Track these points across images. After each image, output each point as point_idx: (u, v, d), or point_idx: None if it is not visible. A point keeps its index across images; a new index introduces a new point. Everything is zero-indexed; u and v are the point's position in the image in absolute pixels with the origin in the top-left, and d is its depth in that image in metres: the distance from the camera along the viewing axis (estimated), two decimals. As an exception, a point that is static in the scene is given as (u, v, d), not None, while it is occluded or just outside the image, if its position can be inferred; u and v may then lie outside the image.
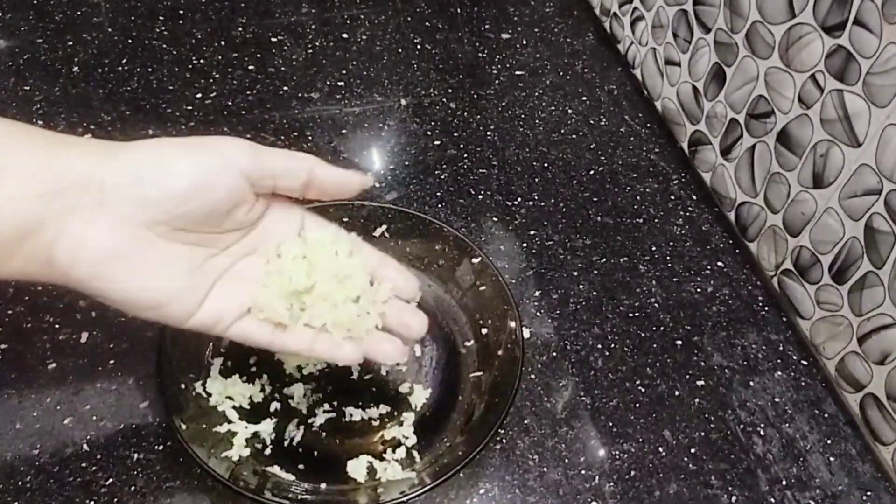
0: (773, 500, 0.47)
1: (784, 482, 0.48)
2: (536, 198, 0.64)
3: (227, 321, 0.38)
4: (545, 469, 0.47)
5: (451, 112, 0.71)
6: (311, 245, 0.40)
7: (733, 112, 0.61)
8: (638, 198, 0.65)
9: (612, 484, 0.47)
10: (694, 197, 0.66)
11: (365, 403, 0.48)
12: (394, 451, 0.46)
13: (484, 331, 0.51)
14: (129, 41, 0.75)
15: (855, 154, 0.49)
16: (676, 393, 0.52)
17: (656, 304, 0.57)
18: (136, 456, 0.46)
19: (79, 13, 0.77)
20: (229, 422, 0.45)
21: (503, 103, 0.73)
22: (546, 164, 0.67)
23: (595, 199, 0.65)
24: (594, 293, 0.58)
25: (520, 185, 0.65)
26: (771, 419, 0.51)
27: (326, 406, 0.48)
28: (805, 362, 0.55)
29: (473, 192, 0.64)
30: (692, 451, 0.49)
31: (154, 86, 0.70)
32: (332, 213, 0.51)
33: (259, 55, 0.75)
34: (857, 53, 0.47)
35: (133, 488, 0.44)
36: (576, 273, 0.59)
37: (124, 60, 0.72)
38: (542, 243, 0.61)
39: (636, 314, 0.57)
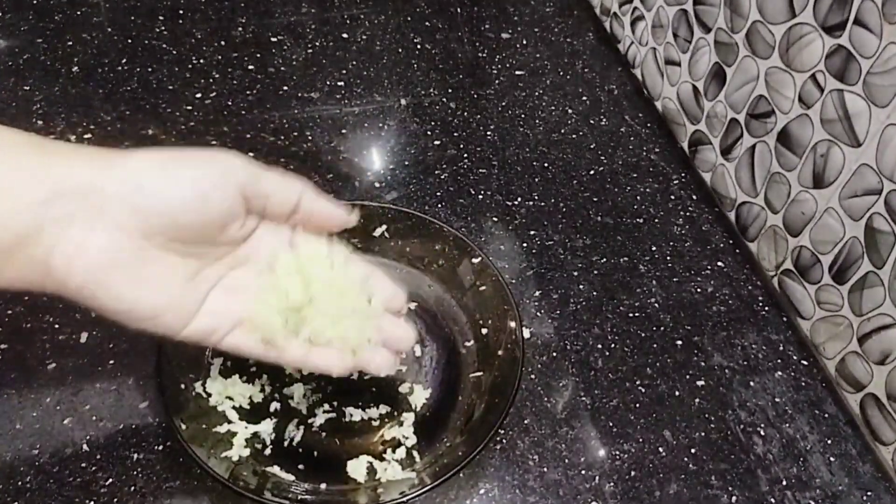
0: (773, 500, 0.47)
1: (784, 482, 0.48)
2: (536, 198, 0.64)
3: (222, 332, 0.38)
4: (545, 469, 0.47)
5: (451, 112, 0.71)
6: (304, 259, 0.40)
7: (733, 112, 0.61)
8: (638, 198, 0.65)
9: (612, 484, 0.47)
10: (694, 197, 0.66)
11: (365, 403, 0.48)
12: (394, 452, 0.46)
13: (484, 331, 0.51)
14: (129, 41, 0.75)
15: (855, 154, 0.49)
16: (676, 393, 0.52)
17: (656, 304, 0.57)
18: (135, 456, 0.45)
19: (78, 13, 0.77)
20: (229, 422, 0.45)
21: (503, 103, 0.73)
22: (546, 164, 0.67)
23: (595, 199, 0.65)
24: (594, 293, 0.57)
25: (520, 185, 0.65)
26: (771, 419, 0.51)
27: (326, 406, 0.48)
28: (805, 362, 0.55)
29: (473, 192, 0.64)
30: (692, 451, 0.49)
31: (154, 86, 0.70)
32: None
33: (259, 55, 0.75)
34: (858, 53, 0.47)
35: (133, 488, 0.44)
36: (576, 273, 0.59)
37: (124, 60, 0.72)
38: (542, 243, 0.61)
39: (636, 314, 0.56)
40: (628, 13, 0.75)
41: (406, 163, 0.66)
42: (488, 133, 0.70)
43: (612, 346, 0.54)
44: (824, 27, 0.49)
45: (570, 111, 0.73)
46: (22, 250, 0.31)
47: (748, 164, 0.60)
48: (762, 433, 0.50)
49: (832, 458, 0.50)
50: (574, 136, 0.70)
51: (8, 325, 0.51)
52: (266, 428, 0.46)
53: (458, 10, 0.84)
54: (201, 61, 0.73)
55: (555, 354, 0.53)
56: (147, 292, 0.34)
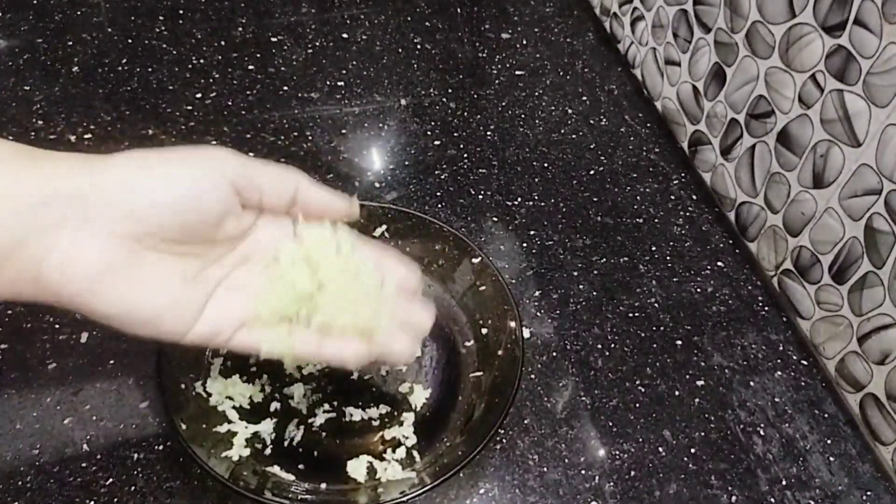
0: (772, 499, 0.47)
1: (784, 482, 0.48)
2: (536, 198, 0.64)
3: (227, 333, 0.37)
4: (545, 469, 0.47)
5: (451, 112, 0.71)
6: (309, 245, 0.39)
7: (733, 112, 0.61)
8: (638, 198, 0.65)
9: (611, 484, 0.47)
10: (694, 197, 0.66)
11: (365, 403, 0.48)
12: (394, 451, 0.46)
13: (484, 331, 0.51)
14: (129, 41, 0.75)
15: (855, 154, 0.49)
16: (676, 393, 0.52)
17: (656, 304, 0.57)
18: (136, 456, 0.46)
19: (79, 13, 0.77)
20: (229, 422, 0.45)
21: (503, 103, 0.73)
22: (546, 164, 0.67)
23: (595, 199, 0.65)
24: (594, 293, 0.58)
25: (520, 185, 0.65)
26: (771, 419, 0.51)
27: (326, 406, 0.48)
28: (805, 362, 0.55)
29: (473, 192, 0.64)
30: (692, 450, 0.49)
31: (154, 86, 0.70)
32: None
33: (259, 55, 0.75)
34: (858, 53, 0.47)
35: (133, 488, 0.44)
36: (576, 273, 0.59)
37: (124, 60, 0.72)
38: (542, 243, 0.61)
39: (636, 314, 0.57)
40: (628, 13, 0.75)
41: (406, 163, 0.66)
42: (488, 133, 0.70)
43: (612, 345, 0.54)
44: (824, 27, 0.49)
45: (570, 111, 0.73)
46: (9, 260, 0.30)
47: (748, 164, 0.60)
48: (762, 433, 0.51)
49: (832, 458, 0.50)
50: (574, 136, 0.70)
51: (8, 325, 0.51)
52: (266, 428, 0.46)
53: (458, 10, 0.84)
54: (201, 61, 0.73)
55: (555, 354, 0.53)
56: (145, 296, 0.34)
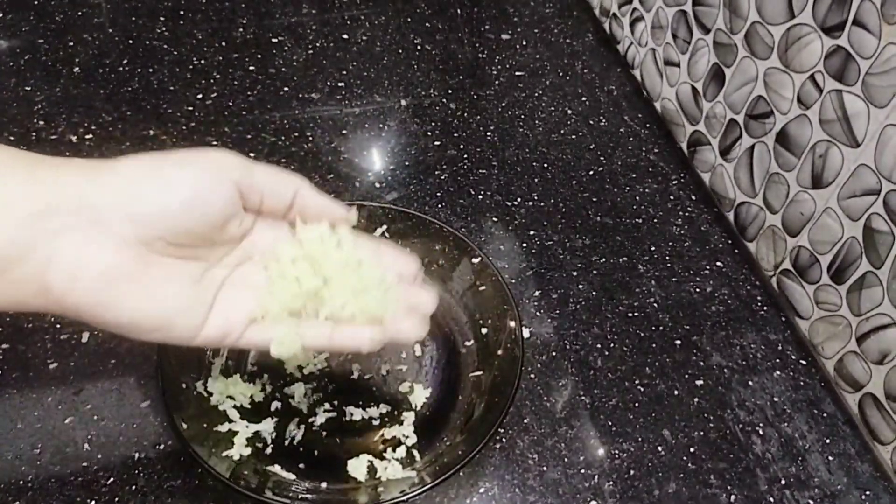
0: (772, 499, 0.47)
1: (783, 481, 0.48)
2: (536, 198, 0.64)
3: (237, 332, 0.37)
4: (545, 468, 0.48)
5: (451, 112, 0.71)
6: (308, 242, 0.39)
7: (732, 112, 0.61)
8: (637, 198, 0.65)
9: (611, 483, 0.47)
10: (693, 197, 0.66)
11: (365, 403, 0.48)
12: (394, 451, 0.46)
13: (484, 330, 0.51)
14: (130, 42, 0.75)
15: (854, 154, 0.49)
16: (675, 392, 0.52)
17: (655, 304, 0.57)
18: (136, 455, 0.46)
19: (80, 13, 0.78)
20: (230, 421, 0.45)
21: (503, 103, 0.73)
22: (546, 165, 0.67)
23: (595, 200, 0.65)
24: (594, 293, 0.58)
25: (520, 185, 0.65)
26: (770, 419, 0.51)
27: (327, 405, 0.48)
28: (804, 362, 0.55)
29: (473, 192, 0.64)
30: (691, 450, 0.49)
31: (155, 86, 0.70)
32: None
33: (259, 56, 0.75)
34: (857, 54, 0.47)
35: (134, 487, 0.44)
36: (575, 273, 0.59)
37: (125, 61, 0.73)
38: (541, 243, 0.61)
39: (635, 314, 0.57)
40: (627, 14, 0.76)
41: (406, 163, 0.66)
42: (488, 133, 0.70)
43: (612, 345, 0.55)
44: (823, 28, 0.49)
45: (569, 112, 0.73)
46: (15, 269, 0.30)
47: (747, 164, 0.60)
48: (761, 432, 0.51)
49: (831, 458, 0.50)
50: (573, 136, 0.70)
51: (9, 325, 0.51)
52: (267, 427, 0.46)
53: (458, 10, 0.84)
54: (202, 62, 0.74)
55: (554, 354, 0.54)
56: (154, 302, 0.33)
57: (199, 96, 0.70)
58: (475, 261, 0.52)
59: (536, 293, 0.57)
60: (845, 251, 0.51)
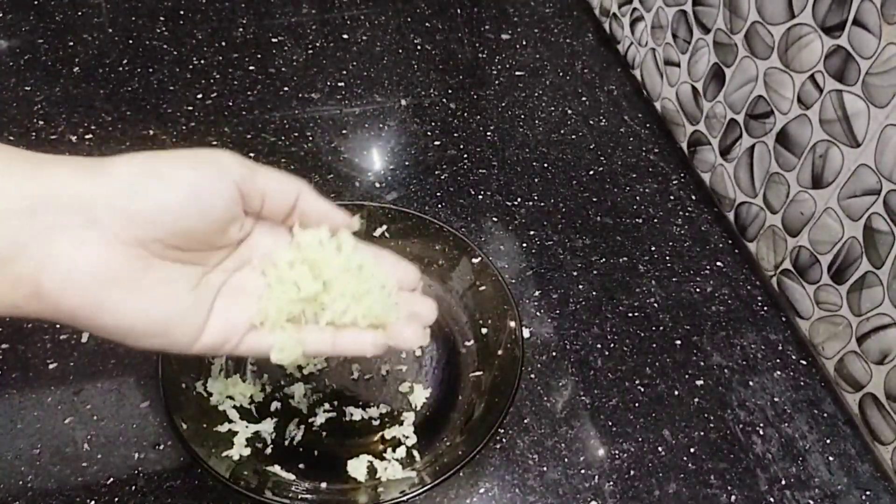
0: (772, 499, 0.47)
1: (783, 481, 0.48)
2: (536, 198, 0.64)
3: (236, 339, 0.36)
4: (545, 468, 0.48)
5: (451, 112, 0.71)
6: (307, 247, 0.38)
7: (732, 112, 0.61)
8: (637, 198, 0.65)
9: (611, 483, 0.47)
10: (693, 197, 0.66)
11: (365, 403, 0.48)
12: (394, 451, 0.46)
13: (484, 330, 0.51)
14: (130, 42, 0.75)
15: (854, 154, 0.49)
16: (676, 392, 0.52)
17: (656, 304, 0.57)
18: (136, 455, 0.46)
19: (80, 13, 0.78)
20: (230, 421, 0.45)
21: (503, 103, 0.73)
22: (546, 164, 0.67)
23: (595, 200, 0.65)
24: (594, 293, 0.58)
25: (520, 185, 0.65)
26: (770, 419, 0.51)
27: (327, 405, 0.48)
28: (804, 362, 0.55)
29: (473, 192, 0.64)
30: (691, 450, 0.49)
31: (155, 86, 0.70)
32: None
33: (259, 56, 0.75)
34: (857, 54, 0.47)
35: (133, 487, 0.44)
36: (575, 273, 0.59)
37: (125, 61, 0.73)
38: (541, 243, 0.61)
39: (636, 314, 0.57)
40: (628, 14, 0.76)
41: (406, 163, 0.66)
42: (488, 133, 0.70)
43: (612, 345, 0.55)
44: (823, 28, 0.49)
45: (569, 111, 0.73)
46: (7, 268, 0.28)
47: (747, 164, 0.60)
48: (761, 433, 0.51)
49: (831, 458, 0.50)
50: (574, 136, 0.70)
51: (9, 325, 0.51)
52: (267, 427, 0.46)
53: (458, 10, 0.84)
54: (202, 62, 0.74)
55: (554, 354, 0.54)
56: (152, 305, 0.32)
57: (199, 96, 0.70)
58: (475, 261, 0.52)
59: (536, 293, 0.57)
60: (846, 251, 0.51)
